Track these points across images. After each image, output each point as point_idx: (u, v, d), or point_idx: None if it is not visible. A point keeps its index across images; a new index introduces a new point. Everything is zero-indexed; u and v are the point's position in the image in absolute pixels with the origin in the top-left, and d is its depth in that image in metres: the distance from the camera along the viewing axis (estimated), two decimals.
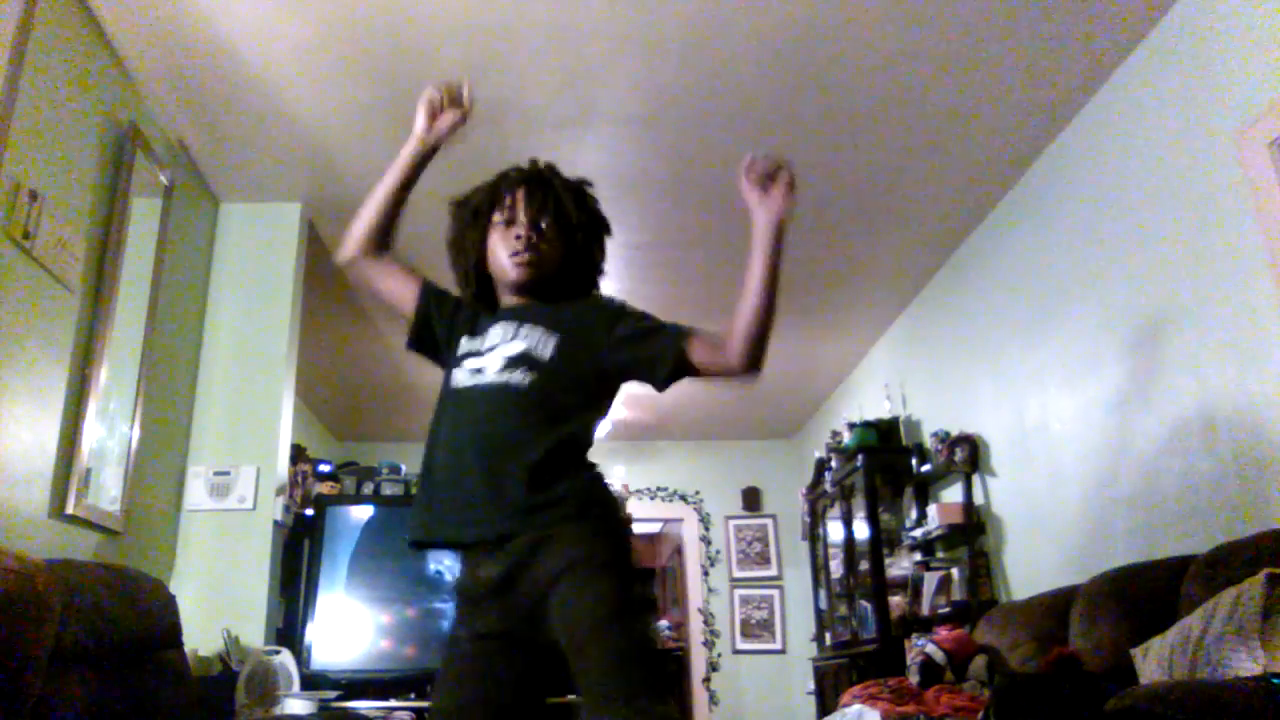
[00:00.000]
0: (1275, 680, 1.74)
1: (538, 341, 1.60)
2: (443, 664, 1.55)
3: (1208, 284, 2.75)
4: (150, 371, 3.17)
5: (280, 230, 3.91)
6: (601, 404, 1.66)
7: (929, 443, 4.71)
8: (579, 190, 1.72)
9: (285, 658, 3.31)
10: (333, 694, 3.52)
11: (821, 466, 5.75)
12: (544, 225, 1.65)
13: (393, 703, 3.99)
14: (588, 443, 1.62)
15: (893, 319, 5.36)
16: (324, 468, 4.64)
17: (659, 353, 1.59)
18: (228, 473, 3.57)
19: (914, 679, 3.36)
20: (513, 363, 1.58)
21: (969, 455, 4.22)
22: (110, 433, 2.91)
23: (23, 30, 2.38)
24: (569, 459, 1.56)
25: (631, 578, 1.51)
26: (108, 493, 2.89)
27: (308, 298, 4.15)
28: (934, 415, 4.81)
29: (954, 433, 4.37)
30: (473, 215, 1.70)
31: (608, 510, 1.57)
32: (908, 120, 3.47)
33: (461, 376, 1.61)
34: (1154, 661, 2.25)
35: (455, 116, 1.84)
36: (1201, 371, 2.77)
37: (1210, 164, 2.72)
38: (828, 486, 5.56)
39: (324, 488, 4.52)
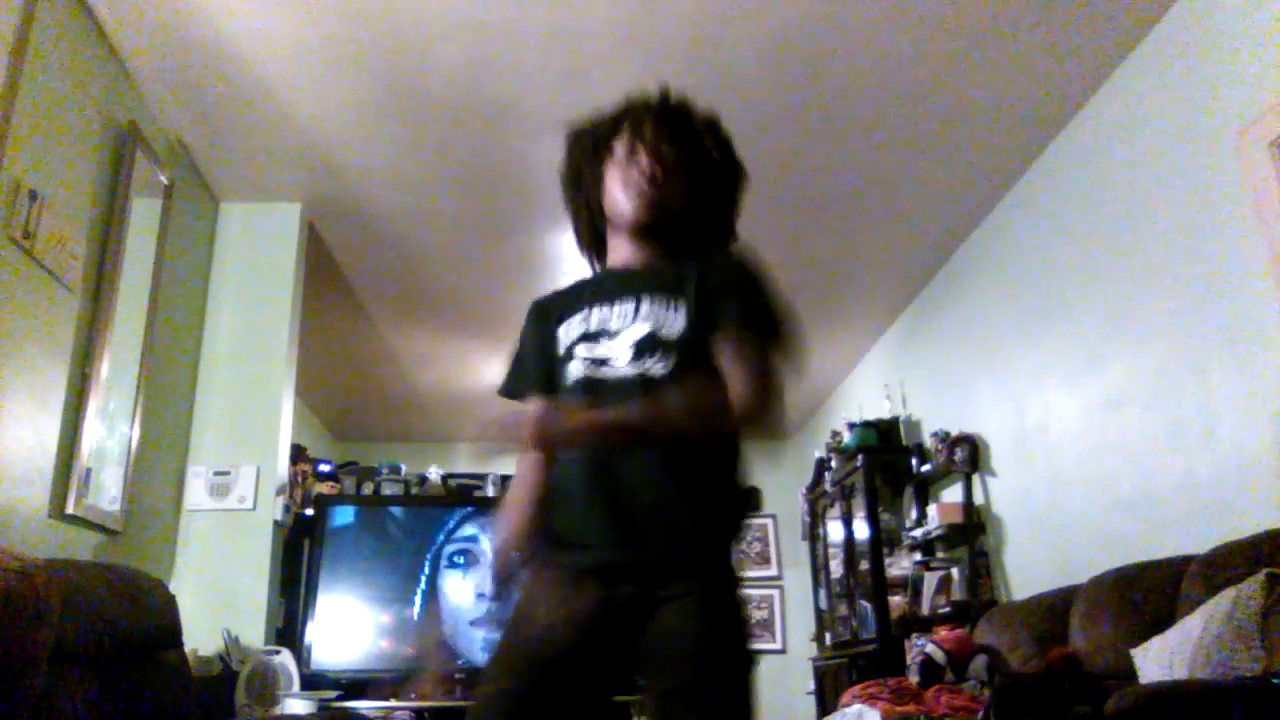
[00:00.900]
0: (1275, 680, 1.75)
1: (663, 317, 1.36)
2: (506, 644, 1.33)
3: (1208, 284, 2.75)
4: (150, 371, 3.17)
5: (280, 230, 3.91)
6: None
7: (929, 443, 4.71)
8: (714, 126, 1.50)
9: (285, 658, 3.32)
10: (333, 694, 3.52)
11: (821, 466, 5.75)
12: (669, 160, 1.42)
13: (393, 703, 4.00)
14: (736, 441, 1.38)
15: (893, 319, 5.36)
16: (324, 468, 4.64)
17: (736, 359, 1.34)
18: (228, 473, 3.57)
19: (914, 679, 3.36)
20: (644, 348, 1.34)
21: (969, 455, 4.22)
22: (110, 433, 2.91)
23: (23, 30, 2.38)
24: (711, 469, 1.35)
25: (747, 626, 1.34)
26: (108, 493, 2.89)
27: (308, 298, 4.15)
28: (934, 415, 4.81)
29: (954, 433, 4.37)
30: (592, 144, 1.48)
31: (733, 560, 1.35)
32: (908, 120, 3.47)
33: (578, 370, 1.37)
34: (1154, 661, 2.24)
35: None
36: (1201, 372, 2.77)
37: (1210, 164, 2.72)
38: (828, 486, 5.56)
39: (324, 488, 4.52)
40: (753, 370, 1.31)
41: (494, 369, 6.02)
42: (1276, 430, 2.47)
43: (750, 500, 1.41)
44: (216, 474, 3.57)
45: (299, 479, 4.20)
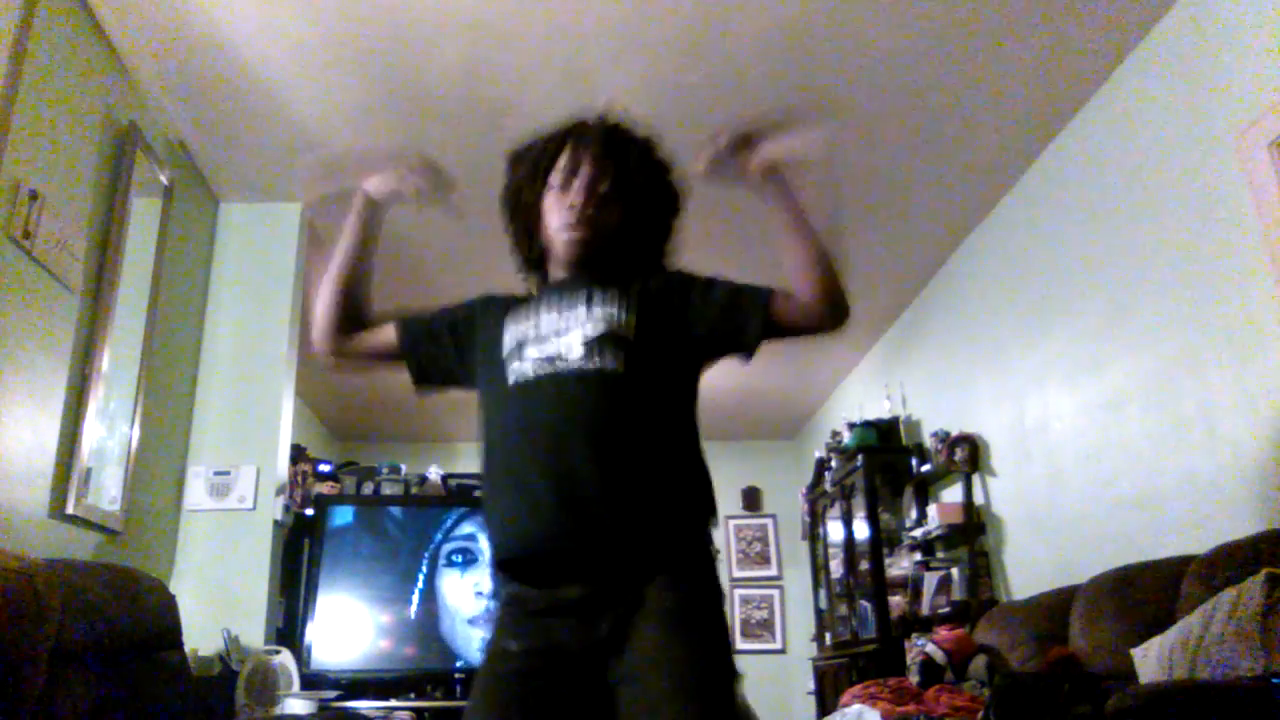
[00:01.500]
0: (1275, 680, 1.75)
1: (616, 318, 1.38)
2: (484, 681, 1.30)
3: (1208, 284, 2.75)
4: (150, 371, 3.17)
5: (280, 230, 3.91)
6: (694, 388, 1.46)
7: (929, 443, 4.71)
8: (649, 154, 1.51)
9: (285, 658, 3.32)
10: (333, 694, 3.52)
11: (821, 466, 5.75)
12: (602, 191, 1.44)
13: (393, 703, 4.00)
14: (694, 435, 1.41)
15: (893, 319, 5.36)
16: (324, 468, 4.64)
17: (747, 315, 1.42)
18: (228, 473, 3.57)
19: (914, 679, 3.36)
20: (597, 345, 1.35)
21: (969, 455, 4.22)
22: (110, 433, 2.91)
23: (23, 30, 2.38)
24: (679, 458, 1.37)
25: (728, 641, 1.30)
26: (108, 493, 2.90)
27: (308, 298, 4.14)
28: (934, 415, 4.81)
29: (954, 433, 4.37)
30: (530, 173, 1.49)
31: (710, 547, 1.35)
32: (908, 120, 3.47)
33: (525, 369, 1.37)
34: (1154, 661, 2.25)
35: (422, 185, 1.63)
36: (1201, 371, 2.77)
37: (1210, 164, 2.72)
38: (828, 486, 5.56)
39: (324, 488, 4.52)
40: (766, 285, 1.43)
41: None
42: (1276, 430, 2.47)
43: (711, 490, 1.40)
44: (216, 474, 3.57)
45: (299, 479, 4.20)
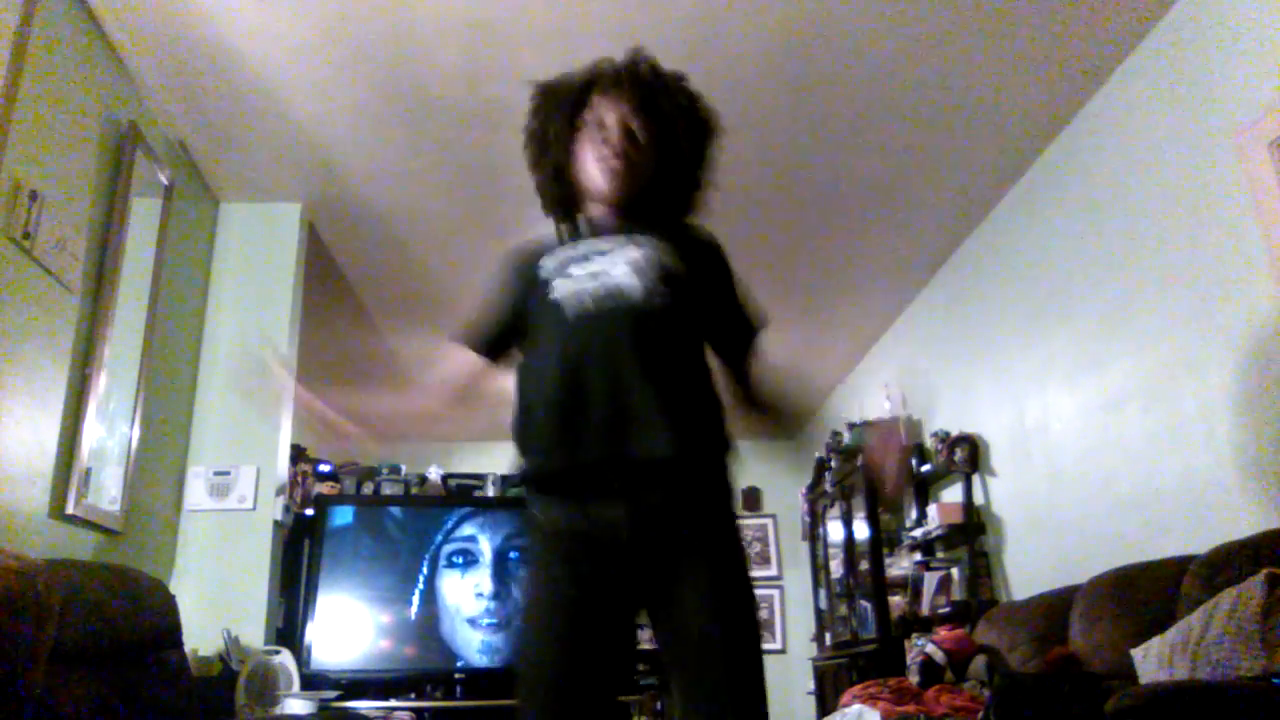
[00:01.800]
0: (1275, 680, 1.75)
1: (655, 250, 1.39)
2: (539, 610, 1.32)
3: (1208, 284, 2.75)
4: (150, 371, 3.17)
5: (280, 230, 3.91)
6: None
7: (929, 443, 4.71)
8: (680, 87, 1.51)
9: (285, 658, 3.32)
10: (333, 694, 3.52)
11: (821, 466, 5.75)
12: (636, 129, 1.44)
13: (393, 703, 4.00)
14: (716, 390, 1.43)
15: (893, 319, 5.36)
16: (324, 468, 4.64)
17: (748, 327, 1.48)
18: (228, 473, 3.57)
19: (914, 679, 3.36)
20: (640, 268, 1.36)
21: (969, 455, 4.22)
22: (110, 433, 2.91)
23: (23, 30, 2.38)
24: (712, 390, 1.40)
25: (753, 595, 1.36)
26: (108, 493, 2.89)
27: (308, 298, 4.14)
28: (934, 415, 4.81)
29: (954, 433, 4.37)
30: (559, 108, 1.49)
31: (734, 498, 1.41)
32: (908, 120, 3.47)
33: (568, 285, 1.37)
34: (1154, 661, 2.25)
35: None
36: (1201, 371, 2.77)
37: (1210, 164, 2.72)
38: (828, 486, 5.56)
39: (324, 488, 4.52)
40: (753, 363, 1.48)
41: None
42: (1277, 430, 2.47)
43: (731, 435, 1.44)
44: (216, 474, 3.57)
45: (299, 479, 4.20)
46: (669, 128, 1.47)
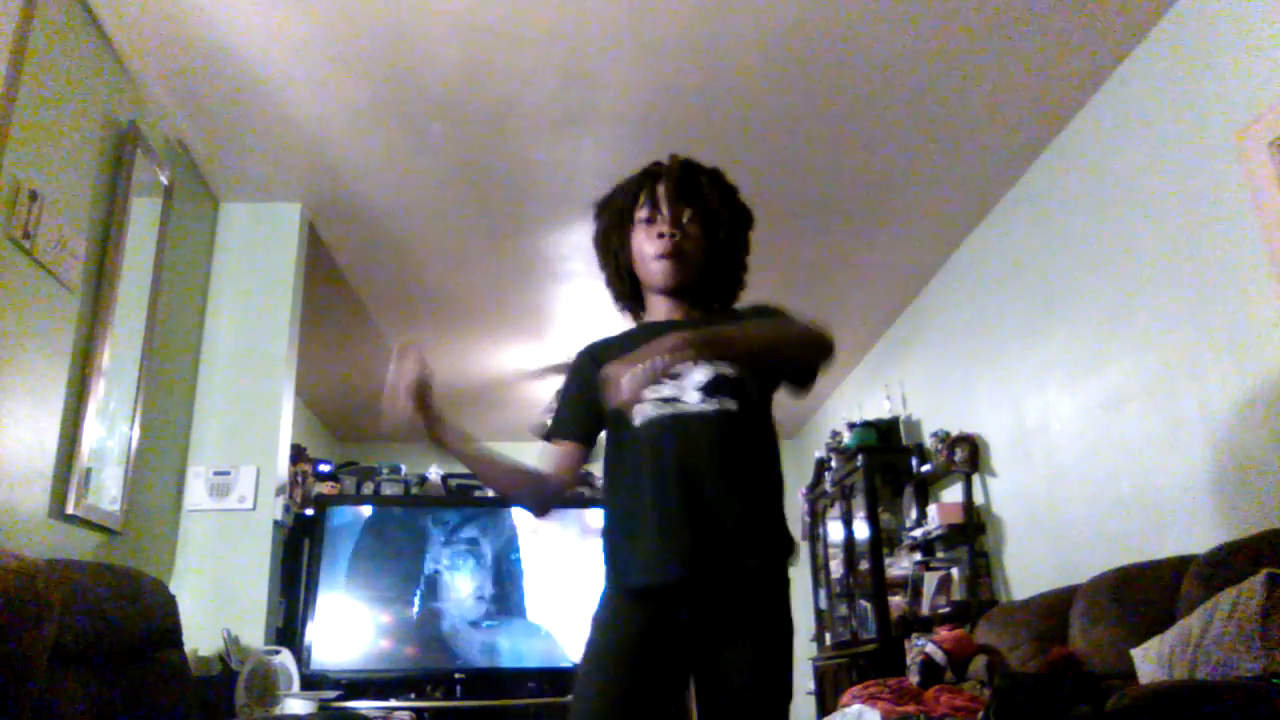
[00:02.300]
0: (1275, 680, 1.75)
1: (720, 362, 1.50)
2: (609, 665, 1.43)
3: (1208, 284, 2.75)
4: (150, 371, 3.17)
5: (280, 230, 3.91)
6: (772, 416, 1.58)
7: (929, 443, 4.71)
8: (719, 181, 1.66)
9: (285, 658, 3.32)
10: (333, 694, 3.52)
11: (821, 466, 5.75)
12: (685, 220, 1.58)
13: (393, 703, 4.00)
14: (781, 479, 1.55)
15: (893, 319, 5.36)
16: (324, 468, 4.64)
17: (814, 357, 1.53)
18: (228, 473, 3.57)
19: (914, 679, 3.36)
20: (711, 388, 1.49)
21: (969, 455, 4.22)
22: (110, 433, 2.91)
23: (23, 30, 2.38)
24: (777, 498, 1.51)
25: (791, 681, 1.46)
26: (108, 493, 2.89)
27: (308, 298, 4.15)
28: (934, 415, 4.81)
29: (954, 433, 4.37)
30: (616, 215, 1.64)
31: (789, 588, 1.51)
32: (908, 120, 3.47)
33: (647, 410, 1.49)
34: (1154, 661, 2.25)
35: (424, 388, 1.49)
36: (1201, 372, 2.77)
37: (1210, 164, 2.72)
38: (828, 486, 5.56)
39: (324, 488, 4.52)
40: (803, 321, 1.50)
41: (493, 368, 6.02)
42: (1276, 430, 2.47)
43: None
44: (216, 474, 3.57)
45: (299, 479, 4.20)
46: (713, 218, 1.60)
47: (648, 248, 1.58)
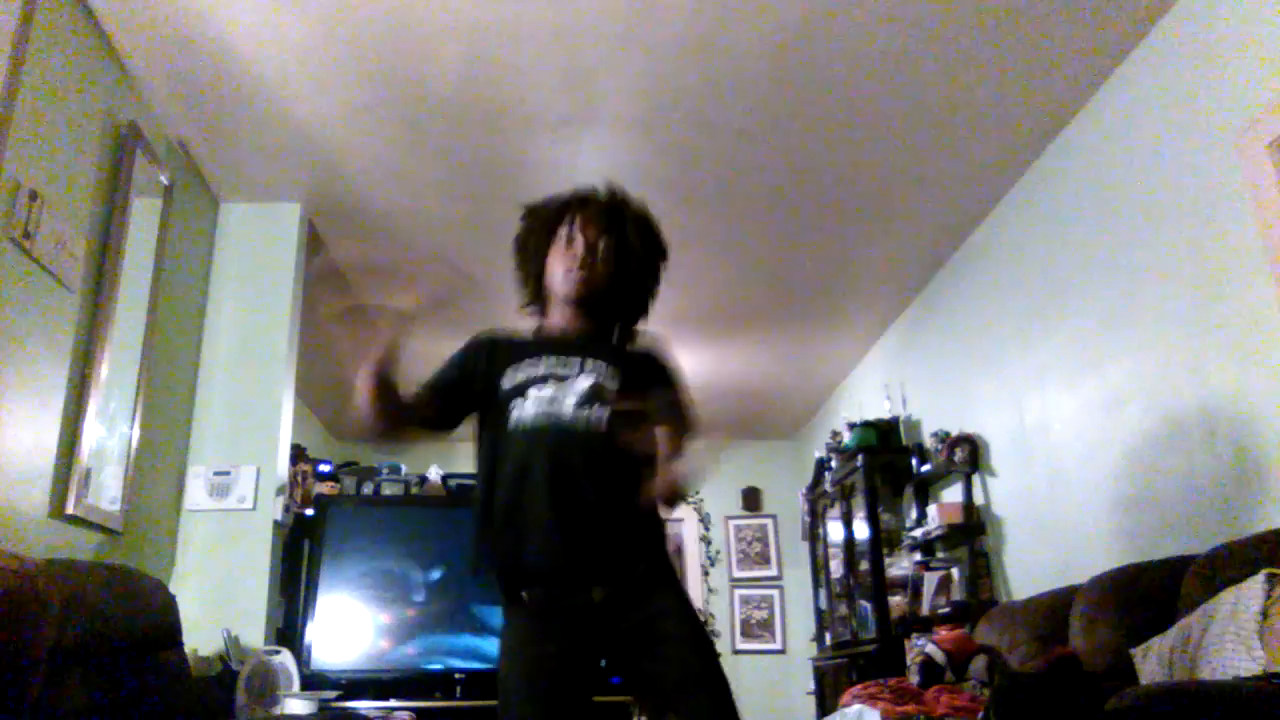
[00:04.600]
0: (1275, 680, 1.75)
1: (602, 375, 1.66)
2: (533, 679, 1.57)
3: (1208, 284, 2.75)
4: (150, 371, 3.17)
5: (280, 230, 3.91)
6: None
7: (929, 443, 4.71)
8: (644, 221, 1.79)
9: (285, 658, 3.32)
10: (333, 694, 3.52)
11: (821, 466, 5.75)
12: (601, 247, 1.72)
13: (393, 703, 4.00)
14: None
15: (893, 319, 5.36)
16: (324, 468, 4.64)
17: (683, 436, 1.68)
18: (228, 473, 3.57)
19: (914, 679, 3.36)
20: (587, 398, 1.63)
21: (969, 455, 4.22)
22: (110, 433, 2.91)
23: (23, 30, 2.38)
24: (639, 512, 1.63)
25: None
26: (108, 493, 2.89)
27: (308, 298, 4.14)
28: (934, 415, 4.81)
29: (954, 433, 4.37)
30: (541, 225, 1.78)
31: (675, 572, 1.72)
32: (908, 120, 3.47)
33: (529, 407, 1.64)
34: (1154, 661, 2.25)
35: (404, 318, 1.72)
36: (1201, 371, 2.77)
37: (1210, 164, 2.72)
38: (828, 486, 5.56)
39: (324, 488, 4.52)
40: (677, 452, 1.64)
41: None
42: (1276, 430, 2.47)
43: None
44: (216, 474, 3.57)
45: (299, 479, 4.20)
46: (627, 251, 1.75)
47: (560, 264, 1.73)
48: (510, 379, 1.68)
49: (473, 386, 1.73)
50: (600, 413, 1.62)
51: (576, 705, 1.58)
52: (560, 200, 1.79)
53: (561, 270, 1.73)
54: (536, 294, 1.80)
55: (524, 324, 1.86)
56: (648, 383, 1.70)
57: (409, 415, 1.72)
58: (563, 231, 1.74)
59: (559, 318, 1.77)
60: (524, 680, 1.57)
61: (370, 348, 1.66)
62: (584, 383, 1.65)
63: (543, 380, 1.66)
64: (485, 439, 1.70)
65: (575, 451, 1.60)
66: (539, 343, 1.76)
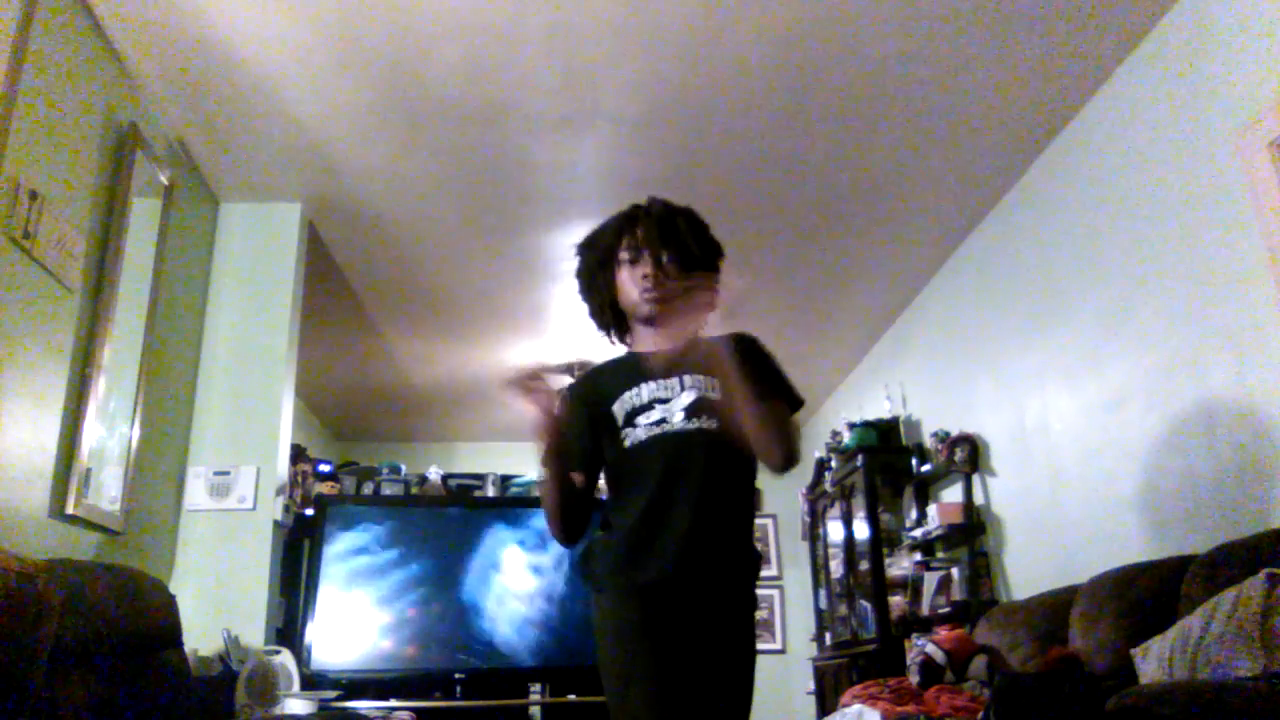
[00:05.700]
0: (1275, 680, 1.75)
1: (703, 386, 1.71)
2: (653, 669, 1.58)
3: (1208, 284, 2.75)
4: (150, 371, 3.17)
5: (280, 230, 3.91)
6: None
7: (929, 443, 4.71)
8: (696, 224, 1.83)
9: (285, 658, 3.32)
10: (333, 694, 3.52)
11: (821, 466, 5.74)
12: (665, 260, 1.75)
13: (393, 702, 4.00)
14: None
15: (893, 319, 5.36)
16: (324, 468, 4.64)
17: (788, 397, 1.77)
18: (228, 473, 3.57)
19: (914, 679, 3.36)
20: (694, 410, 1.68)
21: (969, 455, 4.22)
22: (110, 433, 2.91)
23: (23, 30, 2.38)
24: (748, 516, 1.75)
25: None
26: (108, 493, 2.89)
27: (308, 298, 4.15)
28: (934, 415, 4.81)
29: (954, 433, 4.37)
30: (601, 254, 1.81)
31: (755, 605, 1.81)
32: (908, 120, 3.47)
33: (639, 433, 1.70)
34: (1154, 661, 2.25)
35: (549, 395, 1.74)
36: (1201, 371, 2.77)
37: (1210, 164, 2.72)
38: (828, 486, 5.55)
39: (324, 488, 4.52)
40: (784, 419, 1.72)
41: (493, 367, 6.02)
42: (1276, 430, 2.47)
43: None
44: (216, 474, 3.57)
45: (299, 479, 4.20)
46: (689, 256, 1.77)
47: (632, 285, 1.76)
48: (620, 411, 1.73)
49: (600, 438, 1.77)
50: (710, 422, 1.67)
51: (700, 684, 1.61)
52: (611, 226, 1.82)
53: (636, 293, 1.76)
54: (615, 320, 1.84)
55: (611, 350, 1.91)
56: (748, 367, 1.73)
57: (590, 508, 1.79)
58: (623, 255, 1.78)
59: (646, 338, 1.81)
60: (645, 664, 1.59)
61: (537, 429, 1.67)
62: (688, 398, 1.70)
63: (648, 407, 1.71)
64: (610, 463, 1.76)
65: (688, 462, 1.65)
66: (635, 368, 1.78)
